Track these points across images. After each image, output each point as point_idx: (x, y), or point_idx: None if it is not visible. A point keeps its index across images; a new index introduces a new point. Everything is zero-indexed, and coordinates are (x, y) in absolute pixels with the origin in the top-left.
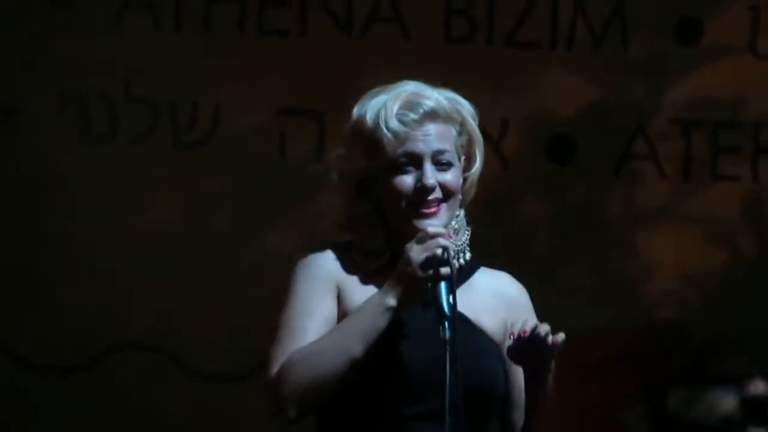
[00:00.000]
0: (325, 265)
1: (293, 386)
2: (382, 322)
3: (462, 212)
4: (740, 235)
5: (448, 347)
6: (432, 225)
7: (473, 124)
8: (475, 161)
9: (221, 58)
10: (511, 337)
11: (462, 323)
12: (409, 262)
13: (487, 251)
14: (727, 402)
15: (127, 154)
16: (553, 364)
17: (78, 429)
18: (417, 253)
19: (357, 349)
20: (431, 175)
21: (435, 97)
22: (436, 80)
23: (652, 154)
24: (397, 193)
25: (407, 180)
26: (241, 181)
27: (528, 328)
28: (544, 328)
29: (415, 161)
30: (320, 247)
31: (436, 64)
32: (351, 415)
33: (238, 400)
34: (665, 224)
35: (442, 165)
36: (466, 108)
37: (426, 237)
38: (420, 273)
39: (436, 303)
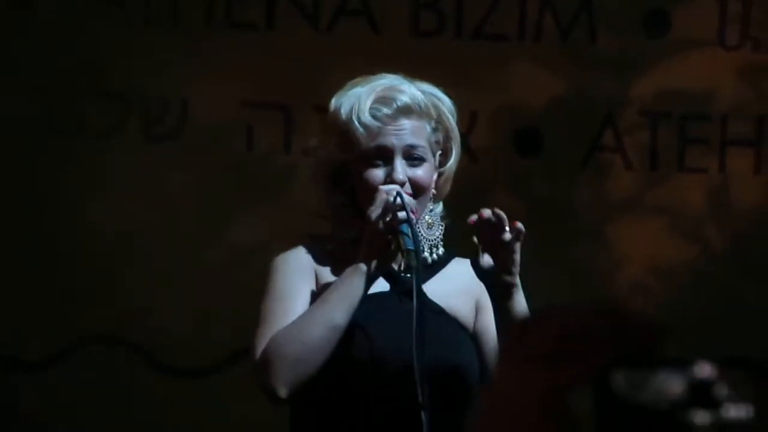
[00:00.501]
0: (302, 256)
1: (280, 366)
2: (358, 286)
3: (439, 207)
4: (707, 227)
5: (414, 275)
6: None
7: (450, 120)
8: (451, 156)
9: (189, 52)
10: (470, 222)
11: (436, 314)
12: (369, 220)
13: (457, 244)
14: (673, 385)
15: (95, 149)
16: (517, 278)
17: (47, 423)
18: (374, 209)
19: (339, 316)
20: (401, 171)
21: (411, 92)
22: (404, 74)
23: (619, 147)
24: (368, 186)
25: (378, 174)
26: (209, 175)
27: (485, 213)
28: (501, 212)
29: (386, 155)
30: (293, 244)
31: (404, 58)
32: (326, 406)
33: (206, 395)
34: (633, 217)
35: (413, 160)
36: (444, 103)
37: (380, 194)
38: (379, 224)
39: (398, 242)
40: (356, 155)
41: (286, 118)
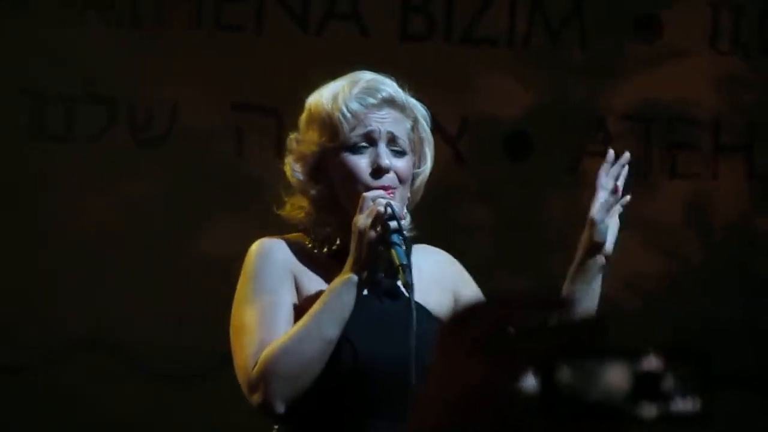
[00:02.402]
0: (281, 252)
1: (280, 383)
2: (349, 298)
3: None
4: (688, 237)
5: (411, 292)
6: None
7: (425, 125)
8: (425, 162)
9: (178, 55)
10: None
11: (424, 315)
12: (357, 230)
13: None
14: (620, 378)
15: (84, 153)
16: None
17: (27, 429)
18: (362, 219)
19: (332, 331)
20: (386, 156)
21: (393, 86)
22: (393, 78)
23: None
24: (352, 173)
25: (362, 161)
26: (198, 178)
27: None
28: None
29: (371, 142)
30: (271, 238)
31: (392, 62)
32: (316, 417)
33: (188, 399)
34: (625, 221)
35: (396, 151)
36: (418, 108)
37: (366, 201)
38: (370, 235)
39: (390, 254)
40: (340, 143)
41: (276, 121)
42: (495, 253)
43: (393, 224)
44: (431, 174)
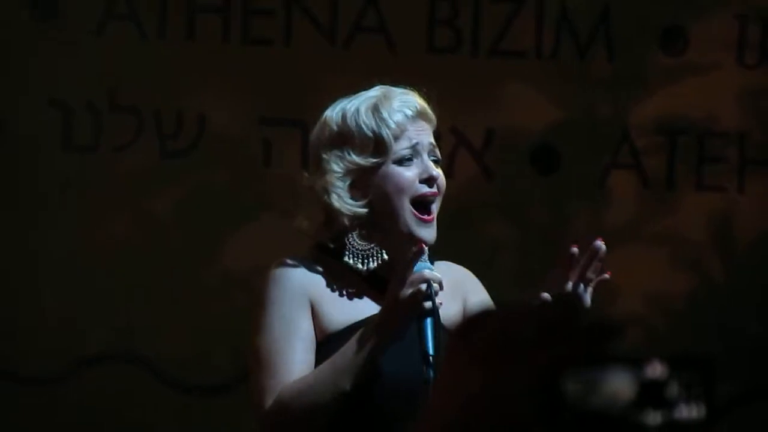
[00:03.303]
0: (297, 279)
1: (289, 424)
2: (368, 357)
3: None
4: (714, 252)
5: (430, 385)
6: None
7: None
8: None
9: (206, 67)
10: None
11: (444, 333)
12: (397, 298)
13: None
14: (625, 386)
15: (111, 163)
16: None
17: None
18: (407, 290)
19: (347, 385)
20: (432, 167)
21: (417, 97)
22: (420, 91)
23: (636, 165)
24: (402, 184)
25: (409, 172)
26: (225, 190)
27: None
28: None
29: (416, 154)
30: (289, 261)
31: (419, 74)
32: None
33: (206, 411)
34: (650, 235)
35: (435, 161)
36: None
37: (409, 270)
38: (406, 310)
39: (420, 339)
40: (387, 157)
41: (304, 134)
42: (520, 268)
43: (427, 304)
44: (456, 187)
